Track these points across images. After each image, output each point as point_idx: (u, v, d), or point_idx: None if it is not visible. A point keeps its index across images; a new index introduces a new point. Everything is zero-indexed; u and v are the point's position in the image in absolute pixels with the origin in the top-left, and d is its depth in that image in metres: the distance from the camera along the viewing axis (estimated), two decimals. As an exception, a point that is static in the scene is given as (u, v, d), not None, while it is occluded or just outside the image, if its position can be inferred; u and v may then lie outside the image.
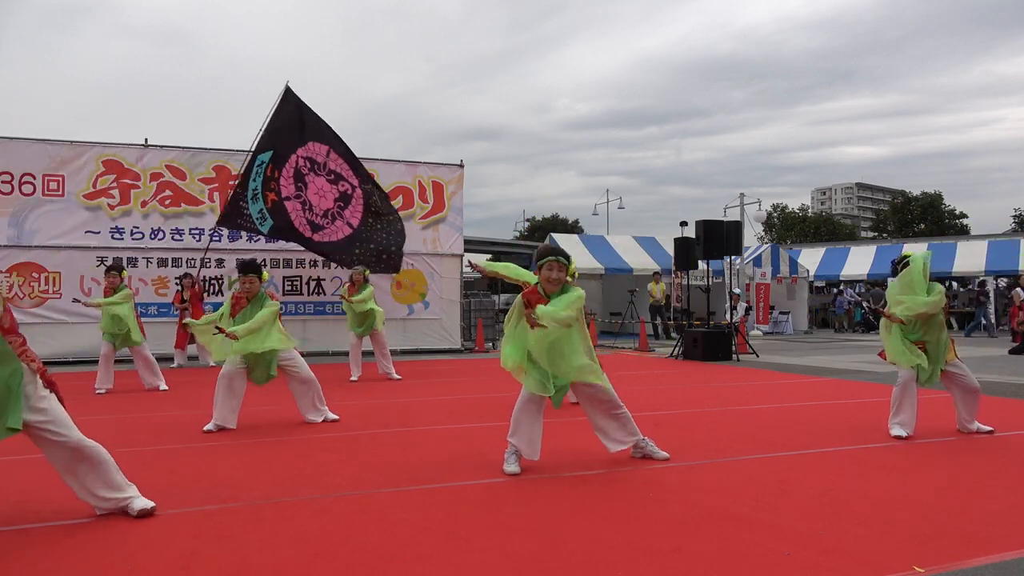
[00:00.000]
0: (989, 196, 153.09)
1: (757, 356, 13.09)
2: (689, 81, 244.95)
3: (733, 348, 12.92)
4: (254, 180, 10.61)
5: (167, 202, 12.87)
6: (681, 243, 14.84)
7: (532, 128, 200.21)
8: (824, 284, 27.50)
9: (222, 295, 13.02)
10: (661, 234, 21.84)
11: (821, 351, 14.79)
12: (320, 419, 6.36)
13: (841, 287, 24.71)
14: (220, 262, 13.19)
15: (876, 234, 62.85)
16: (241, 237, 12.93)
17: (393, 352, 10.69)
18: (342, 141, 11.49)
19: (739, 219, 17.71)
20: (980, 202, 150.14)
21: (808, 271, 22.91)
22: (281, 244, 12.69)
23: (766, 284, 20.65)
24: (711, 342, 12.70)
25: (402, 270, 14.17)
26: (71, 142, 12.49)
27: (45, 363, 3.66)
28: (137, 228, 12.74)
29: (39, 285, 12.06)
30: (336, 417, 6.46)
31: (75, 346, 11.81)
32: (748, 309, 19.53)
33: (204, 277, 12.73)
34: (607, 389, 4.66)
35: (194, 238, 12.84)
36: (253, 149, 10.44)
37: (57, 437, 3.47)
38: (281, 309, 6.44)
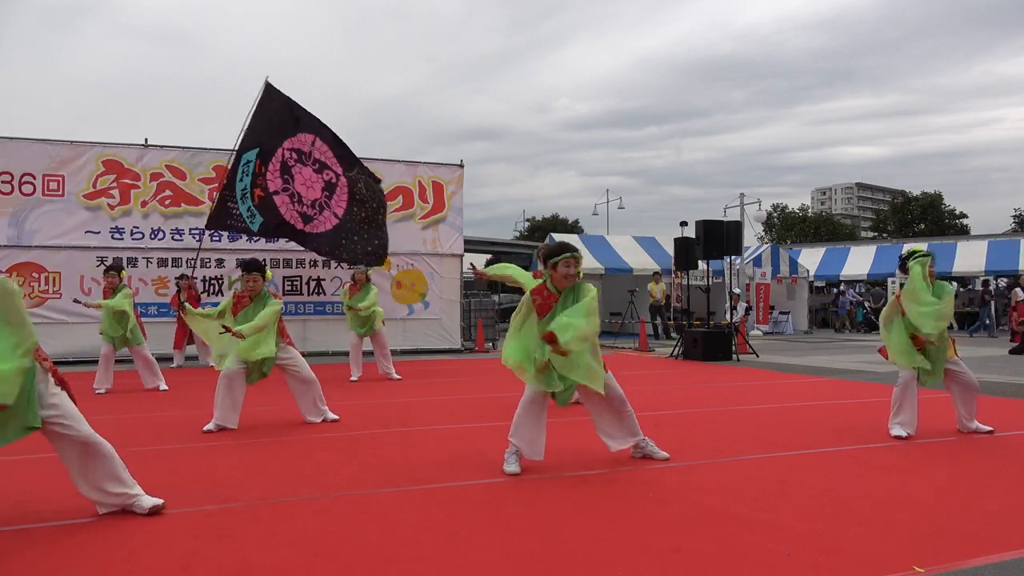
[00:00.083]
0: (989, 196, 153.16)
1: (757, 356, 13.09)
2: (689, 81, 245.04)
3: (733, 348, 12.92)
4: (242, 180, 10.50)
5: (167, 202, 12.87)
6: (681, 243, 14.84)
7: (532, 128, 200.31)
8: (824, 284, 27.49)
9: (222, 295, 13.02)
10: (661, 234, 21.86)
11: (821, 351, 14.79)
12: (320, 419, 6.36)
13: (843, 287, 24.71)
14: (220, 262, 13.20)
15: (876, 234, 62.84)
16: (241, 237, 12.92)
17: (393, 352, 10.69)
18: (328, 128, 11.26)
19: (739, 219, 17.71)
20: (980, 202, 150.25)
21: (808, 271, 22.92)
22: (281, 244, 12.68)
23: (766, 284, 20.66)
24: (711, 342, 12.70)
25: (402, 270, 14.22)
26: (71, 142, 12.49)
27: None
28: (137, 228, 12.75)
29: (39, 285, 12.06)
30: (336, 417, 6.46)
31: (75, 346, 11.80)
32: (748, 309, 19.53)
33: (201, 277, 12.73)
34: (616, 387, 4.67)
35: (194, 238, 12.82)
36: (237, 148, 10.38)
37: (69, 431, 3.51)
38: (282, 309, 6.44)
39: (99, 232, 12.52)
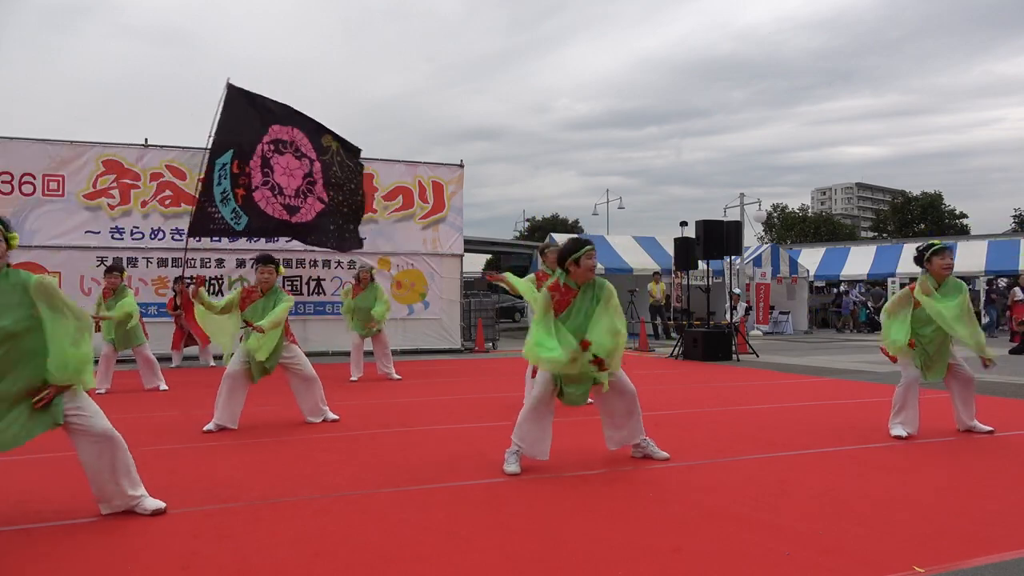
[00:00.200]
0: (989, 196, 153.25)
1: (757, 356, 13.09)
2: (689, 81, 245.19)
3: (733, 348, 12.92)
4: (220, 184, 10.36)
5: (167, 202, 12.87)
6: (681, 243, 14.84)
7: (532, 128, 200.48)
8: (824, 284, 27.50)
9: (222, 295, 13.01)
10: (661, 234, 21.86)
11: (821, 351, 14.79)
12: (320, 419, 6.36)
13: (846, 287, 24.72)
14: (220, 262, 13.20)
15: (876, 234, 62.82)
16: (240, 238, 12.90)
17: (393, 352, 10.69)
18: (301, 115, 11.11)
19: (739, 219, 17.71)
20: (980, 202, 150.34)
21: (808, 271, 22.92)
22: (282, 243, 12.68)
23: (766, 284, 20.66)
24: (711, 342, 12.69)
25: (402, 270, 14.22)
26: (71, 142, 12.49)
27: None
28: (137, 228, 12.75)
29: (39, 285, 12.05)
30: (336, 417, 6.46)
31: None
32: (748, 309, 19.53)
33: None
34: (630, 384, 4.69)
35: (194, 238, 12.82)
36: (208, 155, 10.28)
37: (90, 427, 3.54)
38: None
39: (99, 232, 12.52)
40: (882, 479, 4.34)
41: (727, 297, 16.37)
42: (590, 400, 4.85)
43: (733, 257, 15.40)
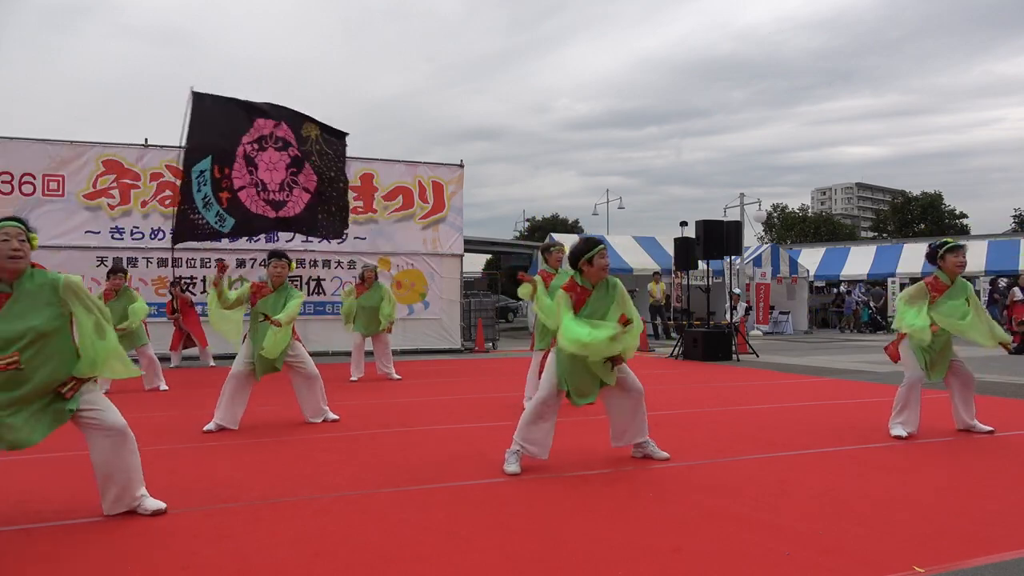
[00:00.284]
0: (989, 196, 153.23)
1: (757, 356, 13.08)
2: (689, 81, 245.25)
3: (733, 348, 12.92)
4: (200, 190, 10.26)
5: (167, 202, 12.85)
6: (681, 243, 14.84)
7: (532, 128, 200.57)
8: (824, 284, 27.51)
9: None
10: (661, 234, 21.87)
11: (821, 351, 14.79)
12: (320, 419, 6.36)
13: (849, 287, 24.72)
14: (220, 262, 13.17)
15: (876, 234, 62.81)
16: (240, 238, 12.91)
17: (393, 352, 10.69)
18: (283, 108, 10.95)
19: (739, 219, 17.71)
20: (980, 202, 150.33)
21: (808, 271, 22.92)
22: (282, 243, 12.69)
23: (766, 284, 20.66)
24: (711, 342, 12.70)
25: (402, 270, 14.22)
26: (71, 142, 12.49)
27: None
28: (137, 228, 12.75)
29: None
30: (336, 417, 6.46)
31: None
32: (748, 309, 19.53)
33: (201, 278, 12.72)
34: (638, 382, 4.72)
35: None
36: (183, 164, 10.20)
37: (103, 421, 3.57)
38: None
39: (99, 232, 12.52)
40: (882, 479, 4.34)
41: (727, 297, 16.38)
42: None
43: (733, 257, 15.40)
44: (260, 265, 13.34)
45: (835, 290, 26.32)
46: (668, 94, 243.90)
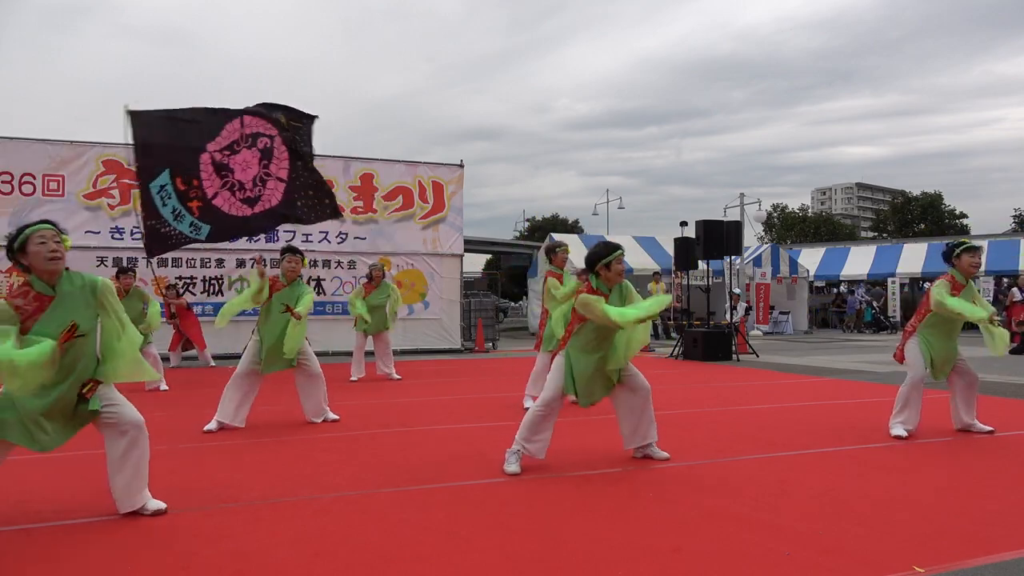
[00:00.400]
0: (989, 196, 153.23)
1: (757, 356, 13.08)
2: (689, 81, 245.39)
3: (733, 348, 12.92)
4: (165, 204, 10.10)
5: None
6: (681, 243, 14.84)
7: (532, 128, 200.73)
8: (824, 284, 27.51)
9: (222, 295, 13.03)
10: (661, 234, 21.87)
11: (821, 351, 14.79)
12: (321, 419, 6.37)
13: (852, 287, 24.72)
14: (220, 262, 13.20)
15: (876, 234, 62.79)
16: (240, 238, 12.89)
17: (393, 352, 10.69)
18: (252, 106, 10.78)
19: (739, 219, 17.71)
20: (980, 202, 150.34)
21: (808, 271, 22.92)
22: (282, 242, 12.65)
23: (766, 284, 20.66)
24: (711, 342, 12.69)
25: (402, 270, 14.22)
26: (71, 142, 12.49)
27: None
28: (137, 228, 12.69)
29: (39, 285, 12.06)
30: (336, 417, 6.46)
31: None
32: (748, 309, 19.53)
33: (202, 277, 12.71)
34: (645, 382, 4.76)
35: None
36: (138, 183, 10.08)
37: (121, 417, 3.60)
38: None
39: (99, 232, 12.52)
40: (882, 479, 4.34)
41: (727, 297, 16.37)
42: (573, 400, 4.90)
43: (733, 257, 15.40)
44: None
45: (835, 290, 26.32)
46: (668, 94, 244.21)
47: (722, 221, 13.94)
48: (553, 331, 6.44)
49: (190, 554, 3.12)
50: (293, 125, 10.40)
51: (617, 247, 4.63)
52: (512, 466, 4.49)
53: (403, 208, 14.34)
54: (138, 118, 9.77)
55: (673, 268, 17.28)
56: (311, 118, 10.65)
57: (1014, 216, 51.45)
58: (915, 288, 24.71)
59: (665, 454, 4.82)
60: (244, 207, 10.26)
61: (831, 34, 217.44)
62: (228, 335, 11.47)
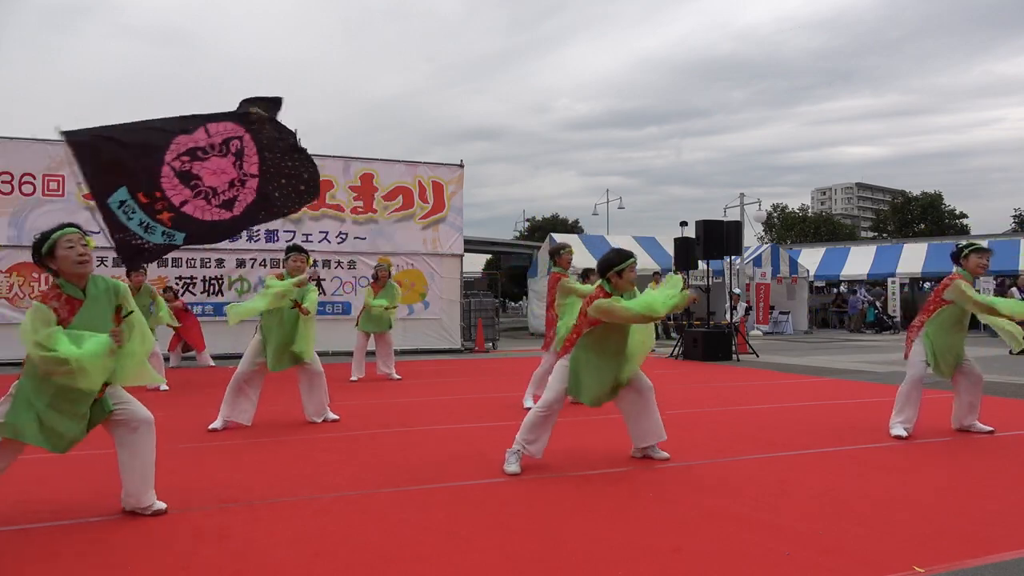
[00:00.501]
0: (989, 196, 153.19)
1: (757, 356, 13.08)
2: (689, 81, 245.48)
3: (733, 348, 12.92)
4: (130, 219, 9.89)
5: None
6: (681, 243, 14.85)
7: (532, 128, 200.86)
8: (824, 284, 27.50)
9: (222, 295, 13.03)
10: (661, 234, 21.87)
11: (821, 351, 14.79)
12: (321, 419, 6.37)
13: (854, 287, 24.72)
14: (220, 262, 13.19)
15: (876, 234, 62.78)
16: (240, 237, 12.90)
17: (393, 352, 10.69)
18: (214, 113, 10.57)
19: (739, 219, 17.71)
20: (980, 202, 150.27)
21: (808, 271, 22.91)
22: (282, 243, 12.67)
23: (766, 284, 20.65)
24: (711, 342, 12.69)
25: (402, 270, 14.21)
26: (71, 142, 12.48)
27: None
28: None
29: (39, 285, 12.05)
30: (336, 417, 6.46)
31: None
32: (748, 309, 19.53)
33: (202, 277, 12.70)
34: (647, 381, 4.79)
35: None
36: (95, 203, 9.99)
37: (132, 415, 3.63)
38: None
39: (99, 232, 12.44)
40: (882, 479, 4.34)
41: (727, 297, 16.37)
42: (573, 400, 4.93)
43: (733, 257, 15.40)
44: (259, 265, 13.35)
45: (835, 290, 26.31)
46: (668, 94, 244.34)
47: (722, 221, 13.95)
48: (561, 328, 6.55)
49: (190, 554, 3.12)
50: (260, 116, 10.29)
51: (630, 255, 4.71)
52: (512, 466, 4.49)
53: (403, 208, 14.34)
54: (75, 137, 9.59)
55: (673, 268, 17.25)
56: (276, 101, 10.54)
57: (1014, 216, 51.44)
58: (915, 288, 24.72)
59: (665, 454, 4.82)
60: (222, 211, 10.19)
61: (831, 34, 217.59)
62: (228, 335, 11.47)
